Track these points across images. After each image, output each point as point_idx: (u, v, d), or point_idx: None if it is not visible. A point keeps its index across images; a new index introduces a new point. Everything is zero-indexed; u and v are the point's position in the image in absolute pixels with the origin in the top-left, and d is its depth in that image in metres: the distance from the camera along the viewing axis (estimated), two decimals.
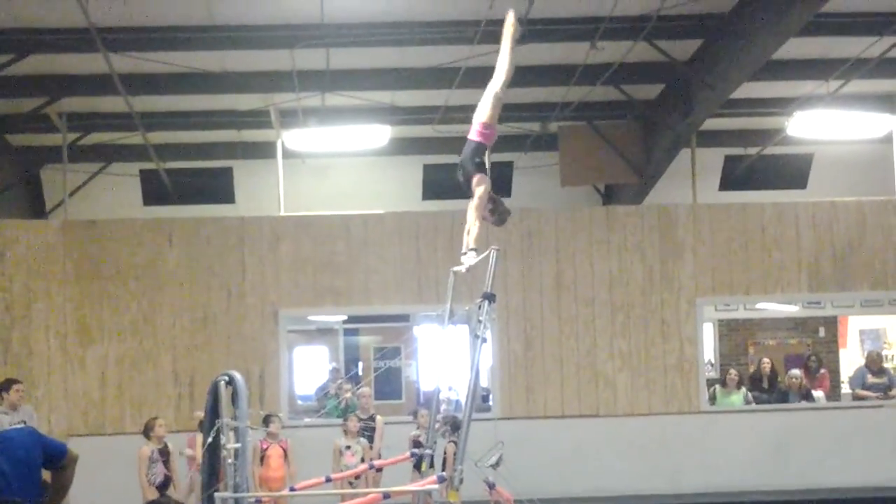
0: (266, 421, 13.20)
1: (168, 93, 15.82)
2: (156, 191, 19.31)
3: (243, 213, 17.59)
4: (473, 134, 9.23)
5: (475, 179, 9.07)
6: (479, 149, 9.19)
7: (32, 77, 15.18)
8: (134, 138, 17.43)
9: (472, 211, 8.99)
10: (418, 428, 13.48)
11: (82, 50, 13.81)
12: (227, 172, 19.42)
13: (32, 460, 6.98)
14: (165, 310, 16.32)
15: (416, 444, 12.94)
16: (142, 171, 19.22)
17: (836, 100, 16.36)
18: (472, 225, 8.99)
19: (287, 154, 17.37)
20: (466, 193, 9.18)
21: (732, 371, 17.79)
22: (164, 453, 13.08)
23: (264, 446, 13.06)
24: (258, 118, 16.94)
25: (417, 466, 12.06)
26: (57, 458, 7.15)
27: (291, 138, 16.86)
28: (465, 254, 9.00)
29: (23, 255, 16.22)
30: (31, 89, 15.57)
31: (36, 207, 19.33)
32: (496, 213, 9.31)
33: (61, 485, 7.18)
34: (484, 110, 9.26)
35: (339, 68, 15.20)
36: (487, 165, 9.34)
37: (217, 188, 19.35)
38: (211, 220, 16.85)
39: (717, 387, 17.67)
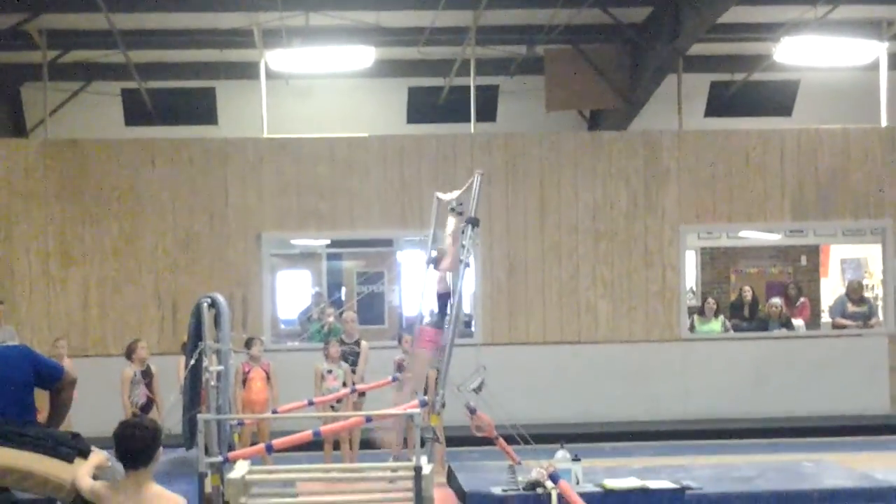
0: (248, 344, 13.21)
1: (150, 10, 15.60)
2: (138, 111, 19.10)
3: (226, 135, 17.47)
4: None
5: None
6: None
7: None
8: (115, 56, 17.20)
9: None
10: (404, 353, 13.52)
11: None
12: (210, 93, 19.21)
13: (21, 378, 6.86)
14: (147, 231, 16.26)
15: (401, 367, 13.02)
16: (123, 91, 18.99)
17: (823, 25, 16.23)
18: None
19: (270, 75, 17.19)
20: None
21: (710, 300, 17.88)
22: (147, 375, 13.10)
23: (246, 369, 13.08)
24: (241, 37, 16.72)
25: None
26: (52, 379, 7.07)
27: (275, 58, 16.67)
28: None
29: (3, 175, 16.11)
30: (11, 5, 15.30)
31: (16, 126, 19.11)
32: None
33: (59, 406, 7.12)
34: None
35: None
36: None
37: (200, 109, 19.14)
38: (193, 141, 16.73)
39: (696, 315, 17.77)
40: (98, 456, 6.34)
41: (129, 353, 13.16)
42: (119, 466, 5.52)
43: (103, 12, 14.62)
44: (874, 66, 17.40)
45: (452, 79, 18.09)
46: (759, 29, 17.06)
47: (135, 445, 5.35)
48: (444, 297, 9.55)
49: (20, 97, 19.08)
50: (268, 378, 13.16)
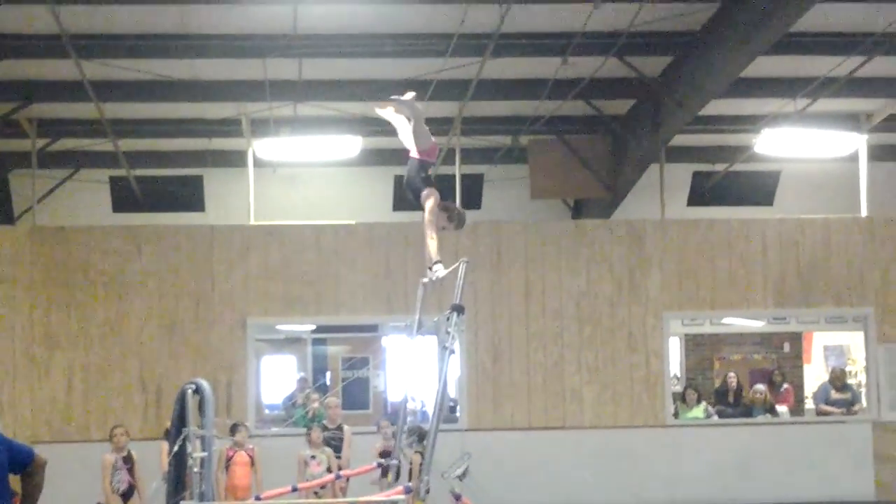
0: (233, 430, 13.18)
1: (139, 100, 15.78)
2: (125, 198, 19.24)
3: (213, 222, 17.57)
4: (414, 152, 9.28)
5: (423, 194, 9.15)
6: (424, 165, 9.23)
7: (2, 82, 15.12)
8: (104, 145, 17.38)
9: (427, 226, 9.07)
10: (384, 440, 13.51)
11: (54, 56, 13.78)
12: (198, 181, 19.38)
13: None
14: (133, 317, 16.26)
15: (385, 454, 12.97)
16: (111, 178, 19.16)
17: (803, 118, 16.52)
18: (430, 238, 9.06)
19: (258, 163, 17.37)
20: (419, 208, 9.26)
21: (690, 390, 17.87)
22: (129, 461, 13.03)
23: (230, 454, 13.03)
24: (229, 127, 16.94)
25: (384, 475, 12.12)
26: (24, 463, 7.05)
27: (262, 147, 16.86)
28: (431, 267, 9.07)
29: None
30: (1, 94, 15.49)
31: (4, 213, 19.21)
32: (453, 219, 9.38)
33: (30, 490, 7.08)
34: (420, 139, 9.20)
35: (312, 78, 15.23)
36: (433, 177, 9.37)
37: (187, 196, 19.30)
38: (180, 228, 16.82)
39: (679, 403, 17.79)
40: None
41: (111, 439, 13.12)
42: None
43: (93, 101, 14.80)
44: (854, 158, 17.67)
45: (438, 167, 18.27)
46: (741, 121, 17.36)
47: None
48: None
49: (8, 184, 19.22)
50: (252, 463, 13.10)
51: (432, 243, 9.11)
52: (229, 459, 13.01)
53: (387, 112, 9.73)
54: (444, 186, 17.83)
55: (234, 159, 18.05)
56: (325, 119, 16.62)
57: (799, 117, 16.42)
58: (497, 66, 14.47)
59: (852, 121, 17.43)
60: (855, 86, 15.74)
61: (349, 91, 15.58)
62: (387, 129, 17.05)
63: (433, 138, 9.34)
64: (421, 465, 11.91)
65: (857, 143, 17.33)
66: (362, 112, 16.52)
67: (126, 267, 16.35)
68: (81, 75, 13.84)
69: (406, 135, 9.45)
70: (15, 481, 7.10)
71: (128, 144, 17.59)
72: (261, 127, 16.71)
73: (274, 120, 16.35)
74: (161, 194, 19.23)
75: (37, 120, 16.67)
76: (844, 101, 16.58)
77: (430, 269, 9.15)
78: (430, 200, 9.14)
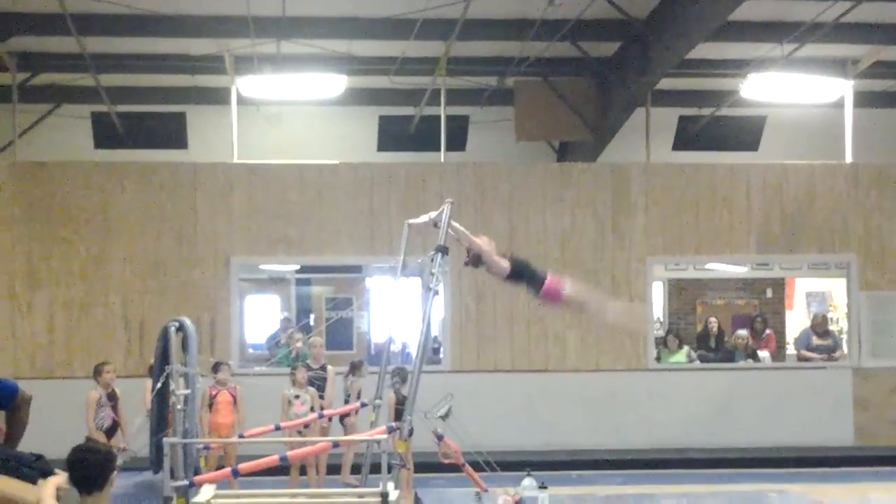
0: (216, 368, 13.19)
1: (121, 34, 15.61)
2: (107, 134, 19.08)
3: (196, 160, 17.47)
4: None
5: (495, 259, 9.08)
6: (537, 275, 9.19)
7: None
8: (86, 80, 17.21)
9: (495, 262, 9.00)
10: (358, 378, 13.70)
11: None
12: (181, 117, 19.23)
13: None
14: (116, 255, 16.20)
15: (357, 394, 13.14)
16: (93, 114, 18.98)
17: (790, 63, 16.47)
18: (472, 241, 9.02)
19: (241, 101, 17.23)
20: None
21: (671, 336, 17.97)
22: (113, 398, 13.03)
23: (213, 393, 13.05)
24: (213, 63, 16.76)
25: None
26: (7, 399, 7.06)
27: (246, 85, 16.71)
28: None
29: None
30: None
31: None
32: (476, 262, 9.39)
33: (15, 425, 7.08)
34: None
35: (296, 15, 15.08)
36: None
37: (170, 133, 19.15)
38: (163, 166, 16.72)
39: (661, 347, 17.89)
40: (59, 477, 6.31)
41: (96, 376, 13.10)
42: (75, 491, 5.50)
43: (74, 35, 14.63)
44: (840, 104, 17.63)
45: (423, 108, 18.19)
46: (727, 65, 17.28)
47: (87, 470, 5.34)
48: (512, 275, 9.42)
49: None
50: (234, 402, 13.13)
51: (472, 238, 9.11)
52: (213, 398, 13.03)
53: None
54: (429, 128, 17.90)
55: (218, 96, 17.89)
56: (310, 57, 16.47)
57: (785, 62, 16.36)
58: (483, 5, 14.34)
59: (839, 66, 17.37)
60: (842, 31, 15.67)
61: (334, 28, 15.44)
62: (371, 68, 17.08)
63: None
64: (397, 402, 12.02)
65: (843, 88, 17.29)
66: (347, 50, 16.40)
67: (108, 204, 16.27)
68: (63, 9, 13.66)
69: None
70: None
71: (110, 80, 17.41)
72: (244, 64, 16.55)
73: (257, 57, 16.20)
74: (143, 131, 19.08)
75: (17, 53, 16.46)
76: (831, 46, 16.51)
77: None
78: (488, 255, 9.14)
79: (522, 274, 9.25)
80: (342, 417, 13.26)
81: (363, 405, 11.67)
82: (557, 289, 9.19)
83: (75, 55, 15.93)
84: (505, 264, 9.17)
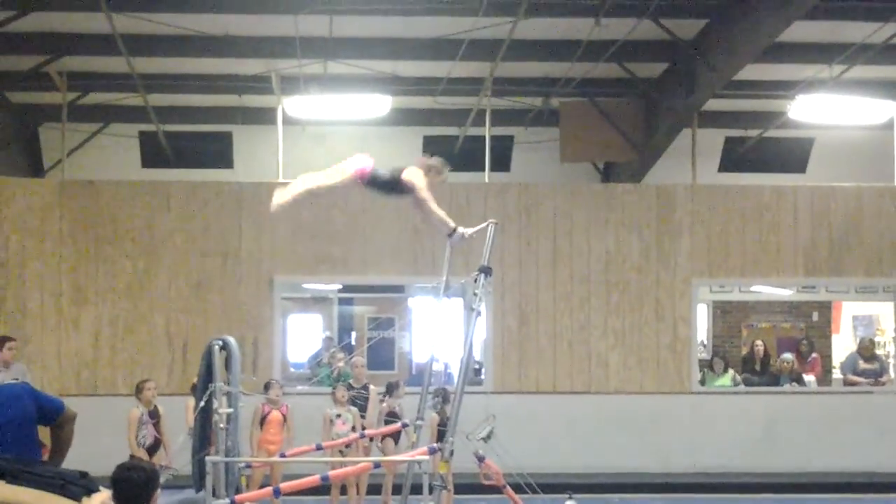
0: (267, 387, 13.25)
1: (170, 55, 15.75)
2: (154, 153, 19.26)
3: (242, 179, 17.57)
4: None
5: (403, 174, 9.06)
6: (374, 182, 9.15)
7: (34, 34, 15.10)
8: (134, 99, 17.38)
9: (424, 200, 8.96)
10: (390, 398, 13.63)
11: (85, 8, 13.76)
12: (227, 137, 19.37)
13: (26, 415, 6.89)
14: (161, 273, 16.31)
15: (391, 414, 13.10)
16: (141, 133, 19.17)
17: (838, 85, 16.33)
18: (434, 209, 8.97)
19: (287, 120, 17.33)
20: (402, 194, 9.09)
21: (717, 358, 17.85)
22: (154, 415, 13.09)
23: (265, 410, 13.11)
24: (259, 83, 16.88)
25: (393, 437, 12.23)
26: (53, 415, 7.08)
27: (292, 105, 16.82)
28: (452, 235, 9.02)
29: (19, 214, 16.21)
30: (33, 47, 15.49)
31: (33, 166, 19.28)
32: (438, 170, 9.32)
33: (60, 442, 7.11)
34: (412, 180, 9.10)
35: (342, 36, 15.15)
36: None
37: (216, 153, 19.30)
38: (209, 185, 16.83)
39: (706, 370, 17.74)
40: (104, 494, 6.33)
41: (137, 393, 13.17)
42: None
43: (123, 55, 14.78)
44: (888, 126, 17.47)
45: (468, 128, 18.21)
46: (775, 86, 17.17)
47: (131, 488, 5.35)
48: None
49: (38, 137, 19.28)
50: (284, 421, 13.17)
51: (440, 212, 9.06)
52: (265, 416, 13.09)
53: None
54: (474, 148, 17.88)
55: (264, 116, 18.01)
56: (355, 77, 16.54)
57: (834, 84, 16.23)
58: (529, 27, 14.34)
59: (888, 88, 17.20)
60: (891, 53, 15.53)
61: (379, 49, 15.50)
62: (416, 88, 17.12)
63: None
64: (442, 424, 11.97)
65: (891, 110, 17.12)
66: (392, 70, 16.45)
67: (154, 222, 16.39)
68: (112, 29, 13.81)
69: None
70: (44, 433, 7.13)
71: (157, 99, 17.58)
72: (291, 84, 16.65)
73: (304, 77, 16.29)
74: (190, 150, 19.24)
75: (67, 73, 16.66)
76: (880, 68, 16.35)
77: (451, 236, 9.11)
78: (414, 175, 9.11)
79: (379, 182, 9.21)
80: (382, 438, 13.22)
81: (405, 425, 11.63)
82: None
83: (124, 75, 16.10)
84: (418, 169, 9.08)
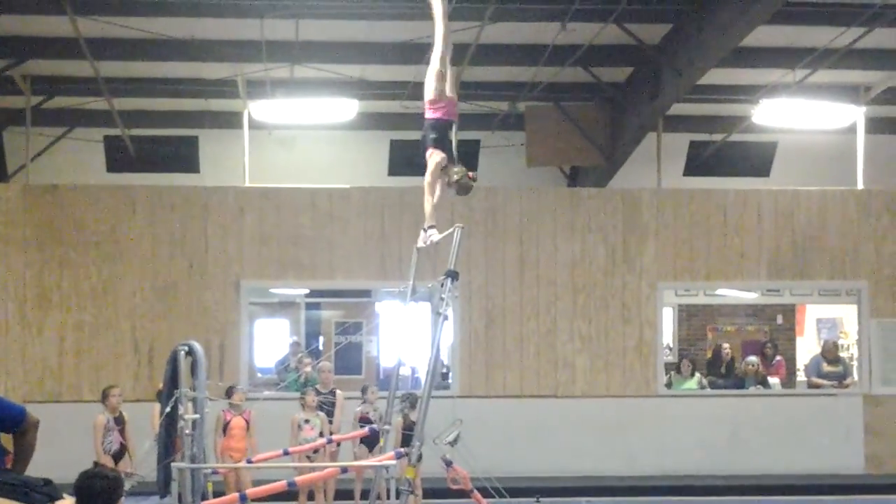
0: (229, 392, 13.17)
1: (135, 59, 15.66)
2: (120, 157, 19.14)
3: (208, 183, 17.51)
4: (427, 112, 9.34)
5: (427, 153, 9.17)
6: (431, 125, 9.25)
7: None
8: (99, 103, 17.27)
9: (426, 185, 9.08)
10: (364, 403, 13.55)
11: (49, 12, 13.67)
12: (193, 141, 19.28)
13: None
14: (126, 278, 16.23)
15: (364, 419, 13.04)
16: (106, 138, 19.05)
17: (801, 89, 16.46)
18: (428, 199, 9.04)
19: (253, 125, 17.28)
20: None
21: (686, 361, 17.98)
22: (120, 422, 13.02)
23: (227, 417, 13.04)
24: (225, 87, 16.82)
25: (365, 442, 12.16)
26: (14, 422, 7.03)
27: (258, 109, 16.77)
28: (426, 229, 9.05)
29: None
30: None
31: None
32: (452, 186, 9.35)
33: (23, 450, 7.05)
34: (427, 87, 9.31)
35: (309, 40, 15.12)
36: (454, 141, 9.33)
37: (182, 157, 19.20)
38: (175, 189, 16.76)
39: (673, 373, 17.83)
40: (67, 501, 6.30)
41: (103, 400, 13.11)
42: None
43: (88, 59, 14.70)
44: (851, 130, 17.62)
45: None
46: (739, 91, 17.28)
47: (95, 495, 5.33)
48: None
49: (2, 141, 19.11)
50: (248, 427, 13.11)
51: (428, 205, 9.10)
52: (227, 423, 13.01)
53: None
54: None
55: (230, 120, 17.95)
56: (322, 81, 16.51)
57: (797, 88, 16.36)
58: (496, 31, 14.37)
59: (850, 93, 17.35)
60: (854, 57, 15.67)
61: (346, 53, 15.49)
62: (383, 92, 17.11)
63: (445, 91, 9.25)
64: (408, 428, 11.98)
65: (854, 115, 17.27)
66: (359, 74, 16.44)
67: (119, 227, 16.31)
68: (77, 33, 13.73)
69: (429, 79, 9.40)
70: (7, 441, 7.08)
71: (123, 103, 17.48)
72: (257, 88, 16.61)
73: (270, 81, 16.25)
74: (156, 154, 19.13)
75: (31, 77, 16.55)
76: (843, 72, 16.50)
77: (425, 230, 9.14)
78: (432, 159, 9.14)
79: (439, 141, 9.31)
80: (360, 442, 13.11)
81: (373, 431, 11.63)
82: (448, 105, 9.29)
83: (89, 79, 16.01)
84: (437, 158, 9.19)
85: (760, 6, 12.50)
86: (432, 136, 9.19)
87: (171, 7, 13.82)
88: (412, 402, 12.36)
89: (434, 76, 9.28)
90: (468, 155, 18.92)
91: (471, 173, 9.38)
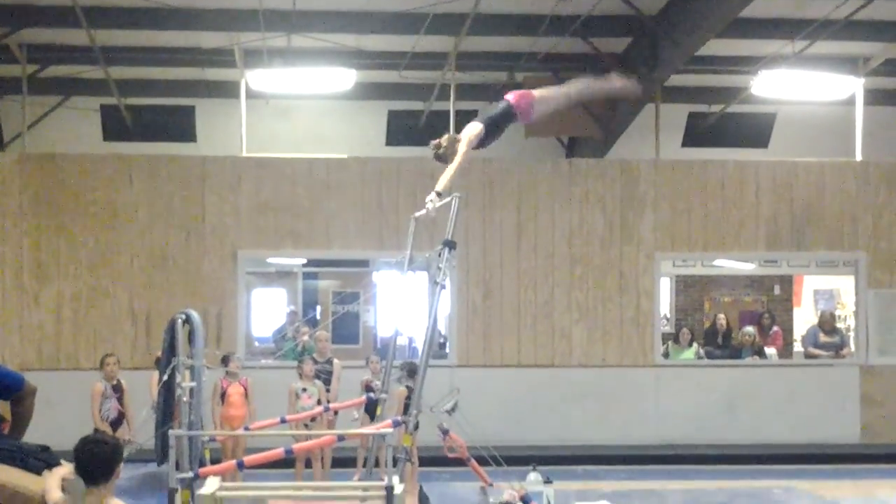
0: (225, 360, 13.18)
1: (131, 27, 15.58)
2: (116, 126, 19.09)
3: (205, 153, 17.48)
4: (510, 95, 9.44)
5: (474, 126, 9.26)
6: (507, 111, 9.40)
7: None
8: (95, 72, 17.22)
9: (461, 155, 9.12)
10: (372, 374, 13.55)
11: None
12: (190, 110, 19.23)
13: None
14: (123, 247, 16.23)
15: (368, 388, 13.03)
16: (102, 107, 18.99)
17: (801, 60, 16.41)
18: (452, 166, 9.09)
19: (250, 94, 17.23)
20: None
21: (685, 329, 18.04)
22: (118, 389, 13.07)
23: (225, 385, 13.06)
24: (222, 57, 16.76)
25: (368, 410, 12.17)
26: (12, 389, 7.06)
27: (255, 78, 16.71)
28: (437, 195, 9.06)
29: None
30: None
31: None
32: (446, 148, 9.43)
33: (19, 417, 7.08)
34: (542, 92, 9.35)
35: (306, 9, 15.05)
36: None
37: (179, 126, 19.16)
38: (171, 158, 16.73)
39: (671, 343, 17.86)
40: (65, 468, 6.32)
41: (101, 367, 13.14)
42: (80, 482, 5.51)
43: (84, 28, 14.63)
44: (850, 102, 17.59)
45: (432, 102, 18.17)
46: (738, 62, 17.23)
47: (94, 461, 5.35)
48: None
49: None
50: (245, 394, 13.14)
51: (450, 171, 9.16)
52: (224, 390, 13.03)
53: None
54: (438, 122, 17.89)
55: (227, 90, 17.90)
56: (319, 51, 16.45)
57: (796, 59, 16.31)
58: (494, 1, 14.31)
59: (850, 64, 17.30)
60: (853, 29, 15.60)
61: (344, 22, 15.41)
62: (381, 62, 17.05)
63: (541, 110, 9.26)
64: (408, 397, 12.00)
65: (853, 86, 17.24)
66: (357, 44, 16.38)
67: (116, 196, 16.29)
68: (73, 1, 13.65)
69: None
70: (3, 408, 7.10)
71: (119, 72, 17.42)
72: (254, 57, 16.55)
73: (267, 50, 16.19)
74: (152, 124, 19.09)
75: (27, 45, 16.46)
76: (842, 43, 16.44)
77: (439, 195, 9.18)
78: (467, 130, 9.25)
79: (495, 123, 9.49)
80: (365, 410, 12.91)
81: (370, 399, 11.66)
82: (528, 102, 9.43)
83: (85, 48, 15.93)
84: (476, 130, 9.32)
85: None
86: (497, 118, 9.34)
87: None
88: (410, 372, 12.37)
89: (554, 94, 9.35)
90: (466, 125, 18.89)
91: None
